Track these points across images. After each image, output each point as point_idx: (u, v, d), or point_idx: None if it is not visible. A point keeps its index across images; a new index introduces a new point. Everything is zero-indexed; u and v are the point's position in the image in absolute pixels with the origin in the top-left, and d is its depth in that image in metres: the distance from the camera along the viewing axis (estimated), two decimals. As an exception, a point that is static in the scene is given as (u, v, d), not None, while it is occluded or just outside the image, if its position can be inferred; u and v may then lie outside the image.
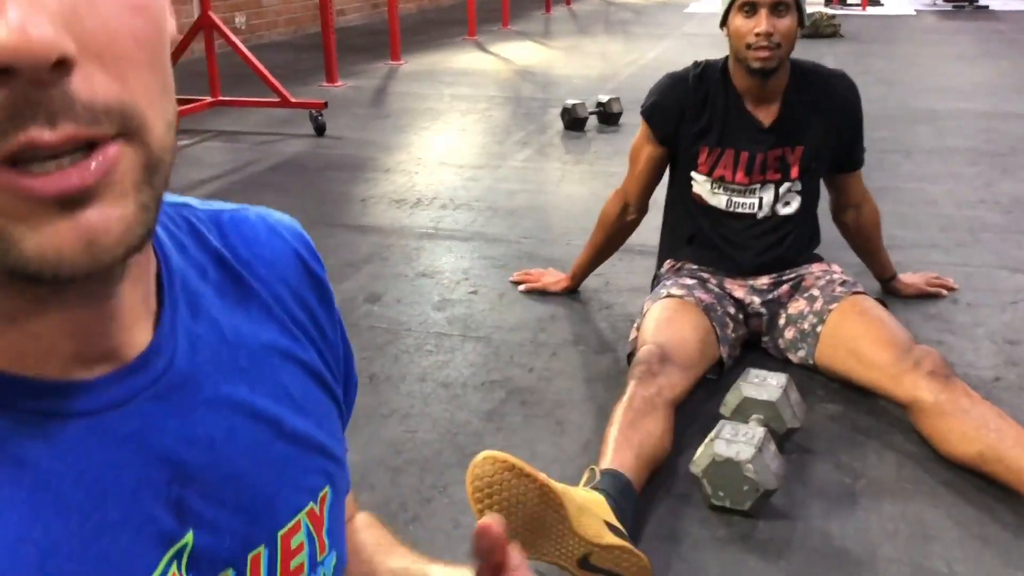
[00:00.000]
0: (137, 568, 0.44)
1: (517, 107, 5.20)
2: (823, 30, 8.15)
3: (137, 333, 0.47)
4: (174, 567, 0.45)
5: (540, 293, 2.57)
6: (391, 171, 3.88)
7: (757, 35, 2.00)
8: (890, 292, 2.50)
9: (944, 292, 2.53)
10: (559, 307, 2.52)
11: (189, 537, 0.46)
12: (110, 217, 0.38)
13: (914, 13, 10.44)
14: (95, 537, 0.42)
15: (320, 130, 4.46)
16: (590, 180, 3.73)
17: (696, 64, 2.20)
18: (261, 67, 4.55)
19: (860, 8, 10.75)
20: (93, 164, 0.37)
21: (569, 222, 3.19)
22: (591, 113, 4.62)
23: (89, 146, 0.37)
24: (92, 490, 0.42)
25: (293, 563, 0.52)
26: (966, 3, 10.93)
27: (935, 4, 11.18)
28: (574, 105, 4.57)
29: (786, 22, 2.01)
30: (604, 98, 4.68)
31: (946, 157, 4.06)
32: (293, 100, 4.62)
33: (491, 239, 3.06)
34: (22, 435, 0.41)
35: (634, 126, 4.77)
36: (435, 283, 2.69)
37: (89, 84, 0.36)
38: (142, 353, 0.46)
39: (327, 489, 0.56)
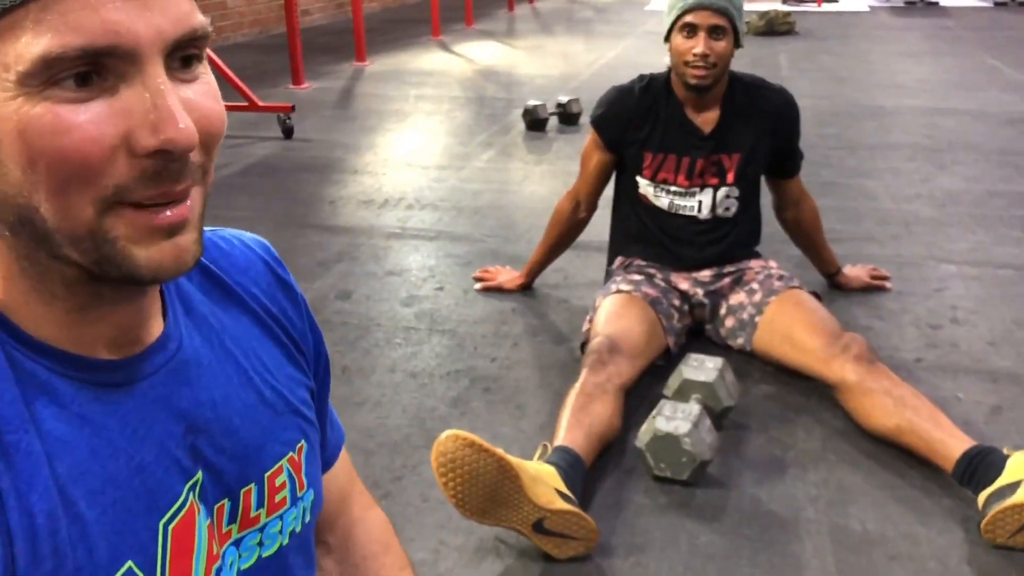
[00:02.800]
0: (167, 495, 0.60)
1: (481, 108, 5.36)
2: (778, 27, 8.38)
3: (154, 325, 0.63)
4: (191, 495, 0.62)
5: (500, 290, 2.73)
6: (359, 172, 4.03)
7: (695, 55, 2.18)
8: (835, 286, 2.68)
9: (887, 285, 2.72)
10: (520, 301, 2.68)
11: (200, 475, 0.63)
12: (190, 240, 0.56)
13: (868, 9, 10.73)
14: (137, 472, 0.58)
15: (288, 133, 4.59)
16: (550, 179, 3.90)
17: (642, 77, 2.38)
18: (229, 72, 4.67)
19: (816, 4, 11.03)
20: (187, 207, 0.55)
21: (531, 220, 3.36)
22: (552, 114, 4.80)
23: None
24: (133, 438, 0.59)
25: (277, 497, 0.69)
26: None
27: (888, 0, 11.48)
28: (535, 106, 4.73)
29: (722, 44, 2.19)
30: (564, 99, 4.85)
31: (888, 153, 4.28)
32: (261, 104, 4.74)
33: (456, 238, 3.22)
34: (83, 397, 0.57)
35: (592, 126, 4.89)
36: (403, 280, 2.85)
37: (196, 154, 0.55)
38: (158, 339, 0.63)
39: (303, 443, 0.73)
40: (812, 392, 2.12)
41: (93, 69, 0.51)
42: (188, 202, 0.55)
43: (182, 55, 0.54)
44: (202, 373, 0.65)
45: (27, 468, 0.53)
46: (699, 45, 2.18)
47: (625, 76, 2.43)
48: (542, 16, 10.15)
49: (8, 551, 0.51)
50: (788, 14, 8.59)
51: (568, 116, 4.79)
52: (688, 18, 2.20)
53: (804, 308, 2.17)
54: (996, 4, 11.00)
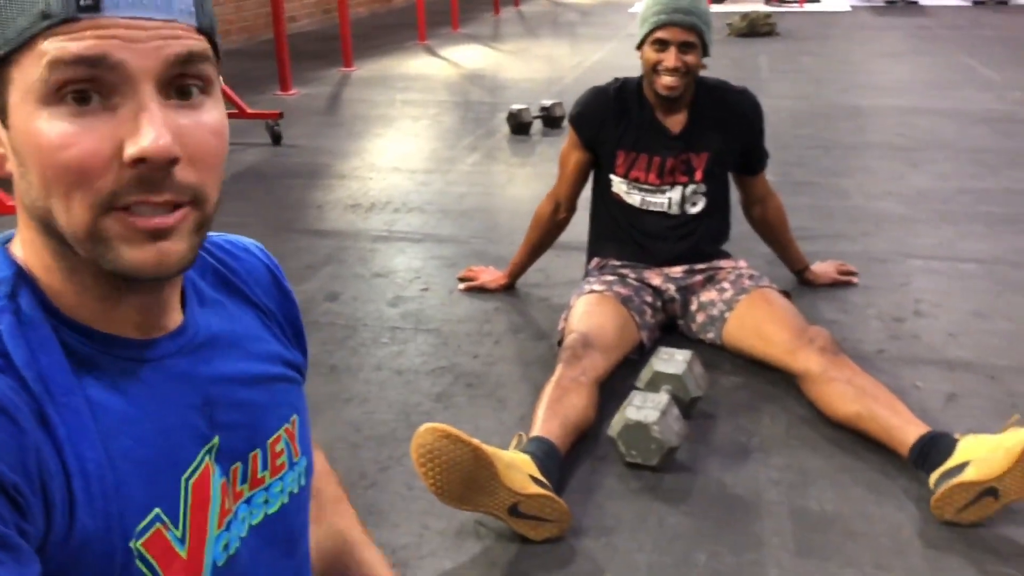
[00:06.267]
0: (188, 455, 0.71)
1: (466, 112, 5.46)
2: (759, 29, 8.50)
3: (175, 314, 0.75)
4: (208, 457, 0.73)
5: (483, 289, 2.83)
6: (346, 177, 4.12)
7: (665, 68, 2.30)
8: (804, 283, 2.79)
9: (854, 280, 2.83)
10: (503, 301, 2.78)
11: (216, 440, 0.74)
12: (174, 248, 0.66)
13: (849, 9, 10.87)
14: (162, 434, 0.69)
15: (276, 139, 4.68)
16: (534, 181, 4.00)
17: (616, 80, 2.50)
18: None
19: (798, 5, 11.17)
20: (172, 218, 0.65)
21: (515, 222, 3.45)
22: (535, 117, 4.90)
23: (175, 206, 0.65)
24: (159, 406, 0.70)
25: (278, 461, 0.81)
26: (898, -1, 11.38)
27: (869, 0, 11.62)
28: (519, 110, 4.83)
29: (691, 57, 2.31)
30: (548, 102, 4.95)
31: (862, 152, 4.39)
32: (249, 111, 4.83)
33: (442, 240, 3.32)
34: (117, 370, 0.69)
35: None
36: (389, 282, 2.95)
37: (184, 173, 0.65)
38: (179, 326, 0.75)
39: (295, 416, 0.85)
40: (778, 382, 2.22)
41: (92, 87, 0.61)
42: (175, 214, 0.65)
43: (179, 84, 0.64)
44: (216, 354, 0.77)
45: (78, 424, 0.64)
46: (669, 59, 2.29)
47: (608, 79, 2.54)
48: (527, 19, 10.26)
49: (67, 486, 0.62)
50: (769, 15, 8.71)
51: (552, 119, 4.90)
52: (659, 34, 2.31)
53: (773, 304, 2.28)
54: (975, 3, 11.15)
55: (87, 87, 0.61)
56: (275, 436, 0.81)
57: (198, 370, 0.74)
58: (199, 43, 0.65)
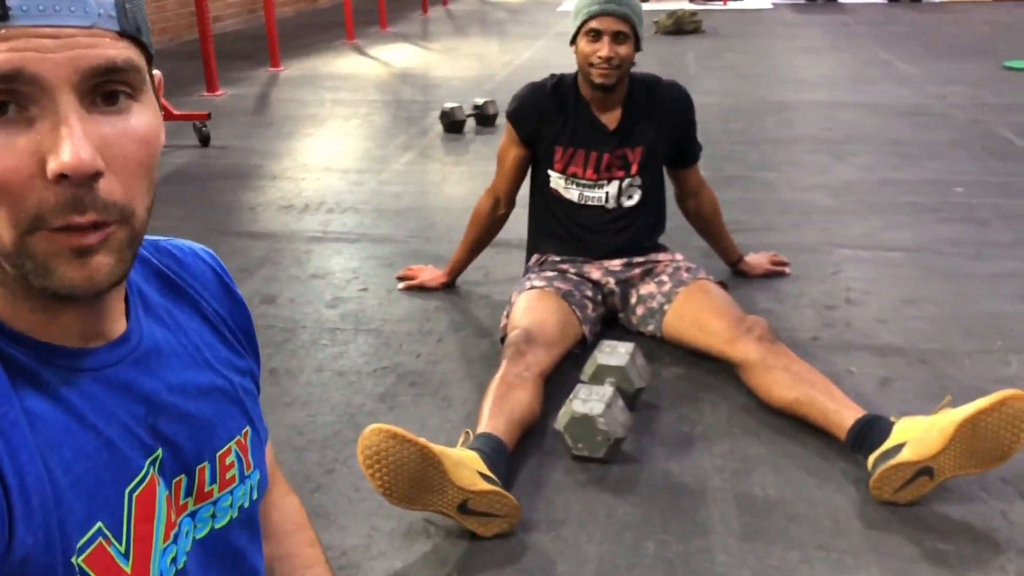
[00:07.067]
0: (130, 467, 0.69)
1: (398, 110, 5.42)
2: (686, 26, 8.63)
3: (117, 323, 0.72)
4: (152, 469, 0.71)
5: (423, 288, 2.81)
6: (278, 178, 4.06)
7: (600, 58, 2.32)
8: (738, 274, 2.84)
9: (787, 271, 2.89)
10: (443, 299, 2.77)
11: (160, 451, 0.71)
12: (103, 263, 0.63)
13: (771, 6, 11.11)
14: (105, 446, 0.67)
15: (205, 141, 4.58)
16: (469, 179, 4.00)
17: (553, 76, 2.51)
18: (142, 80, 4.64)
19: (722, 3, 11.37)
20: (99, 235, 0.62)
21: (451, 220, 3.44)
22: (469, 115, 4.89)
23: (101, 224, 0.62)
24: (100, 417, 0.67)
25: (228, 474, 0.79)
26: (817, -3, 11.66)
27: (790, -2, 11.89)
28: (452, 108, 4.82)
29: (624, 48, 2.33)
30: (480, 101, 4.95)
31: (789, 146, 4.49)
32: (176, 112, 4.72)
33: (378, 239, 3.28)
34: (57, 381, 0.65)
35: (508, 127, 5.01)
36: (327, 283, 2.91)
37: (108, 188, 0.61)
38: (122, 335, 0.72)
39: (248, 428, 0.83)
40: (718, 372, 2.26)
41: (9, 98, 0.58)
42: (102, 232, 0.62)
43: (103, 90, 0.61)
44: (161, 363, 0.74)
45: (15, 435, 0.61)
46: (603, 49, 2.31)
47: (539, 76, 2.56)
48: (456, 18, 10.24)
49: (6, 502, 0.59)
50: (695, 13, 8.86)
51: (485, 117, 4.89)
52: (593, 24, 2.33)
53: (710, 295, 2.31)
54: (890, 0, 11.50)
55: (3, 98, 0.58)
56: (225, 449, 0.78)
57: (141, 380, 0.71)
58: (121, 51, 0.61)
